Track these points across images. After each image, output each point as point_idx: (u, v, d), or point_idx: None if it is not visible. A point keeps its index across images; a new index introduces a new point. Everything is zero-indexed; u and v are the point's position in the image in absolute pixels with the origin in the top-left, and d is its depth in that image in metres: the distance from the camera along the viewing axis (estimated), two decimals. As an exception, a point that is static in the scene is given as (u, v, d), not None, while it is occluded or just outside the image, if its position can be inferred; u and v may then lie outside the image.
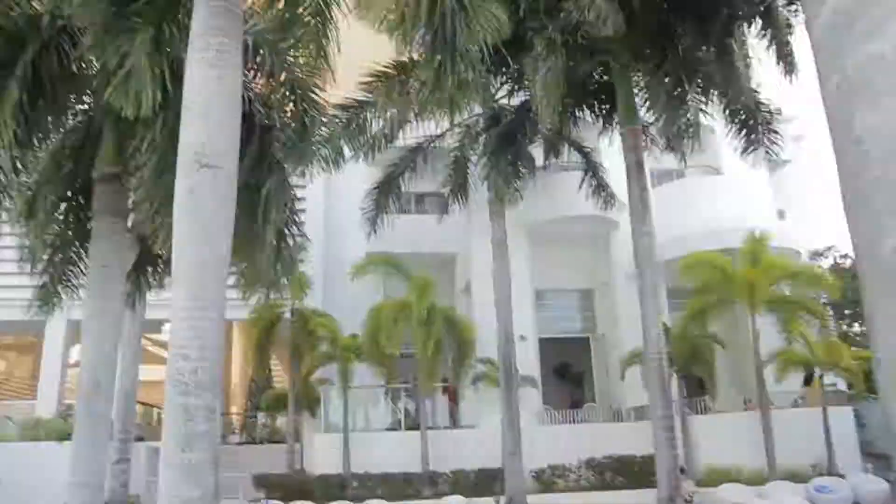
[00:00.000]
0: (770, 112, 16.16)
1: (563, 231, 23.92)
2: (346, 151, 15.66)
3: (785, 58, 14.76)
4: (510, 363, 17.15)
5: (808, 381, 21.42)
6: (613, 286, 23.86)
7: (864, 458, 20.59)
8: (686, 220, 22.02)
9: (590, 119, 17.21)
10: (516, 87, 17.38)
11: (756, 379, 18.66)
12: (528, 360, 21.42)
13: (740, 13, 14.50)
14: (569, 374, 27.07)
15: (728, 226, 21.82)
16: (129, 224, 9.62)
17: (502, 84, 17.63)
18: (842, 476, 17.47)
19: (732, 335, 22.01)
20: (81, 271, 10.20)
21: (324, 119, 10.75)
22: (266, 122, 9.43)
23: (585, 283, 25.40)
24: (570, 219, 23.24)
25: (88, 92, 9.38)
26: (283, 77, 9.48)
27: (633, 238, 14.70)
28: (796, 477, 17.59)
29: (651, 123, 16.27)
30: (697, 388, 21.76)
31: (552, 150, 18.44)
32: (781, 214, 25.30)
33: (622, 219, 21.94)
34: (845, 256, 27.62)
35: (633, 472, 18.69)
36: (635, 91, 15.35)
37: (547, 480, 18.88)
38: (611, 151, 18.65)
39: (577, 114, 16.77)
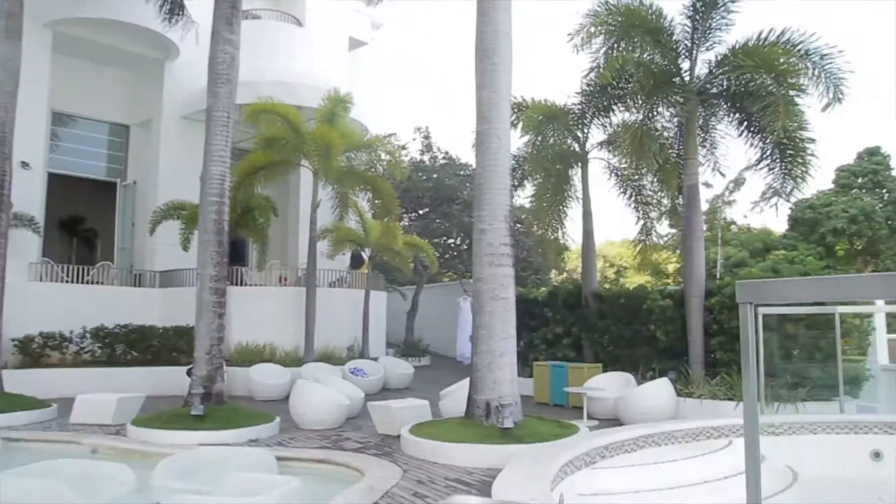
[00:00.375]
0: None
1: (103, 42, 18.41)
2: None
3: None
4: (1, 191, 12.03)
5: (355, 261, 20.77)
6: (158, 126, 19.50)
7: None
8: (259, 65, 18.82)
9: None
10: None
11: (308, 254, 16.93)
12: (31, 197, 16.01)
13: None
14: (80, 223, 21.95)
15: (306, 82, 19.47)
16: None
17: None
18: (374, 359, 17.12)
19: (282, 203, 20.05)
20: None
21: None
22: None
23: (121, 117, 20.32)
24: (114, 26, 17.91)
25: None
26: None
27: (212, 46, 11.03)
28: (332, 359, 16.66)
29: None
30: (233, 255, 19.15)
31: None
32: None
33: (185, 46, 17.76)
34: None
35: (151, 346, 15.38)
36: None
37: (35, 352, 14.30)
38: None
39: None
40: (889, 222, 30.52)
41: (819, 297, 2.72)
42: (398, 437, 9.04)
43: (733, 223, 36.07)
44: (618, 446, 7.44)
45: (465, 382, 10.76)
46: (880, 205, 30.96)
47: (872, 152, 32.12)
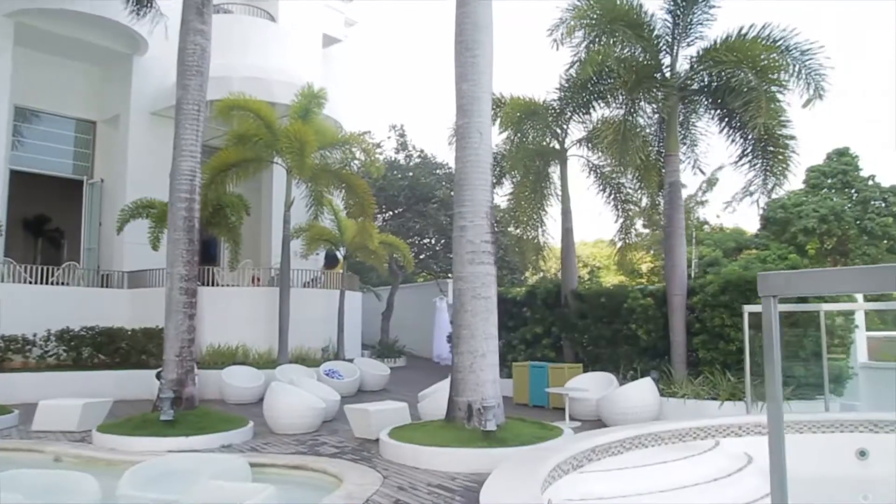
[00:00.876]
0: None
1: (68, 35, 17.85)
2: None
3: None
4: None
5: (329, 261, 20.41)
6: (127, 122, 18.94)
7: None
8: (230, 61, 18.38)
9: None
10: None
11: (282, 253, 16.53)
12: (-11, 195, 15.44)
13: None
14: (46, 223, 21.28)
15: (279, 78, 19.07)
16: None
17: None
18: (350, 361, 16.79)
19: (255, 201, 19.63)
20: None
21: None
22: None
23: (88, 113, 19.72)
24: (79, 18, 17.35)
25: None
26: None
27: (181, 36, 10.64)
28: (307, 360, 16.30)
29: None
30: (205, 255, 18.65)
31: None
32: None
33: (154, 40, 17.28)
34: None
35: (119, 349, 14.88)
36: None
37: (-4, 355, 13.75)
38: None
39: None
40: (858, 222, 30.92)
41: (844, 288, 2.53)
42: (377, 440, 8.76)
43: (706, 223, 36.33)
44: (604, 449, 7.24)
45: (444, 384, 10.53)
46: (849, 204, 31.36)
47: (841, 153, 32.53)
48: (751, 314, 9.05)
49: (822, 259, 31.62)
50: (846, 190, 32.18)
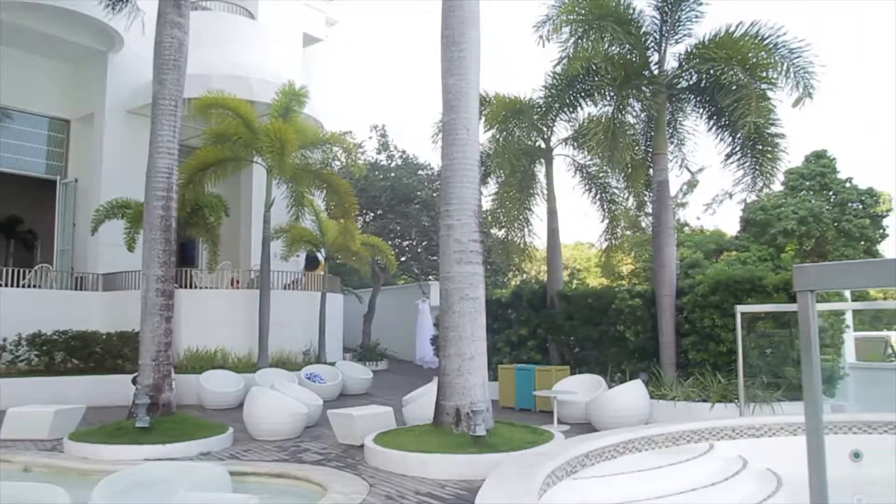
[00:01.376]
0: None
1: (40, 30, 17.35)
2: None
3: None
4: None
5: (310, 262, 20.05)
6: (102, 120, 18.47)
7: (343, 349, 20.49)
8: (209, 58, 18.00)
9: None
10: None
11: (262, 255, 16.17)
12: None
13: None
14: (18, 225, 20.71)
15: (259, 76, 18.73)
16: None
17: None
18: (331, 364, 16.47)
19: (234, 202, 19.24)
20: None
21: None
22: None
23: (62, 111, 19.19)
24: (53, 13, 16.89)
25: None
26: None
27: (158, 29, 10.30)
28: (287, 364, 15.96)
29: None
30: (182, 257, 18.23)
31: None
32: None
33: (130, 37, 16.86)
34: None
35: (94, 353, 14.44)
36: None
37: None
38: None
39: None
40: (835, 224, 31.14)
41: (883, 281, 2.36)
42: (361, 446, 8.49)
43: (686, 225, 36.43)
44: (598, 454, 7.02)
45: (429, 387, 10.28)
46: (827, 206, 31.59)
47: (819, 155, 32.76)
48: (744, 314, 8.89)
49: (801, 260, 31.82)
50: (824, 192, 32.40)
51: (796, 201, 31.37)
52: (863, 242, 31.22)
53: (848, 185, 31.94)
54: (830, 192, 32.24)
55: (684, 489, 6.54)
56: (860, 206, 31.54)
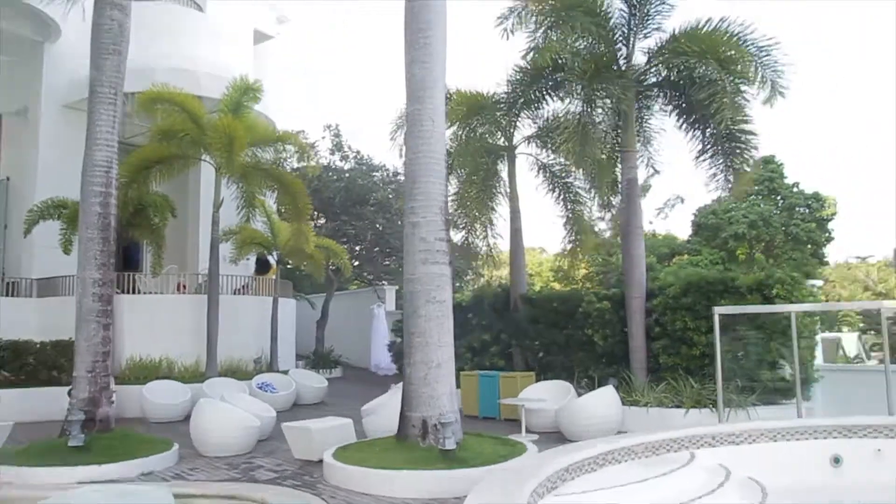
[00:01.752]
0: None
1: (-32, 19, 16.17)
2: None
3: None
4: None
5: (261, 266, 19.20)
6: (36, 115, 17.34)
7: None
8: (154, 50, 17.06)
9: None
10: None
11: (210, 258, 15.33)
12: None
13: None
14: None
15: (207, 70, 17.86)
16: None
17: None
18: (284, 372, 15.71)
19: (181, 202, 18.29)
20: None
21: None
22: None
23: (-8, 106, 17.99)
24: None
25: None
26: None
27: (96, 10, 9.50)
28: (238, 373, 15.15)
29: None
30: (126, 260, 17.17)
31: None
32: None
33: (68, 26, 15.85)
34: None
35: (26, 364, 13.39)
36: None
37: None
38: None
39: None
40: (784, 228, 31.66)
41: None
42: (320, 462, 7.85)
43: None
44: (578, 467, 6.54)
45: (390, 396, 9.72)
46: (776, 211, 32.13)
47: (767, 160, 33.27)
48: (721, 316, 8.55)
49: (751, 264, 32.24)
50: (773, 196, 32.95)
51: (746, 206, 31.78)
52: (809, 246, 31.84)
53: (795, 189, 32.55)
54: (779, 197, 32.80)
55: (671, 503, 6.13)
56: (807, 211, 32.18)
